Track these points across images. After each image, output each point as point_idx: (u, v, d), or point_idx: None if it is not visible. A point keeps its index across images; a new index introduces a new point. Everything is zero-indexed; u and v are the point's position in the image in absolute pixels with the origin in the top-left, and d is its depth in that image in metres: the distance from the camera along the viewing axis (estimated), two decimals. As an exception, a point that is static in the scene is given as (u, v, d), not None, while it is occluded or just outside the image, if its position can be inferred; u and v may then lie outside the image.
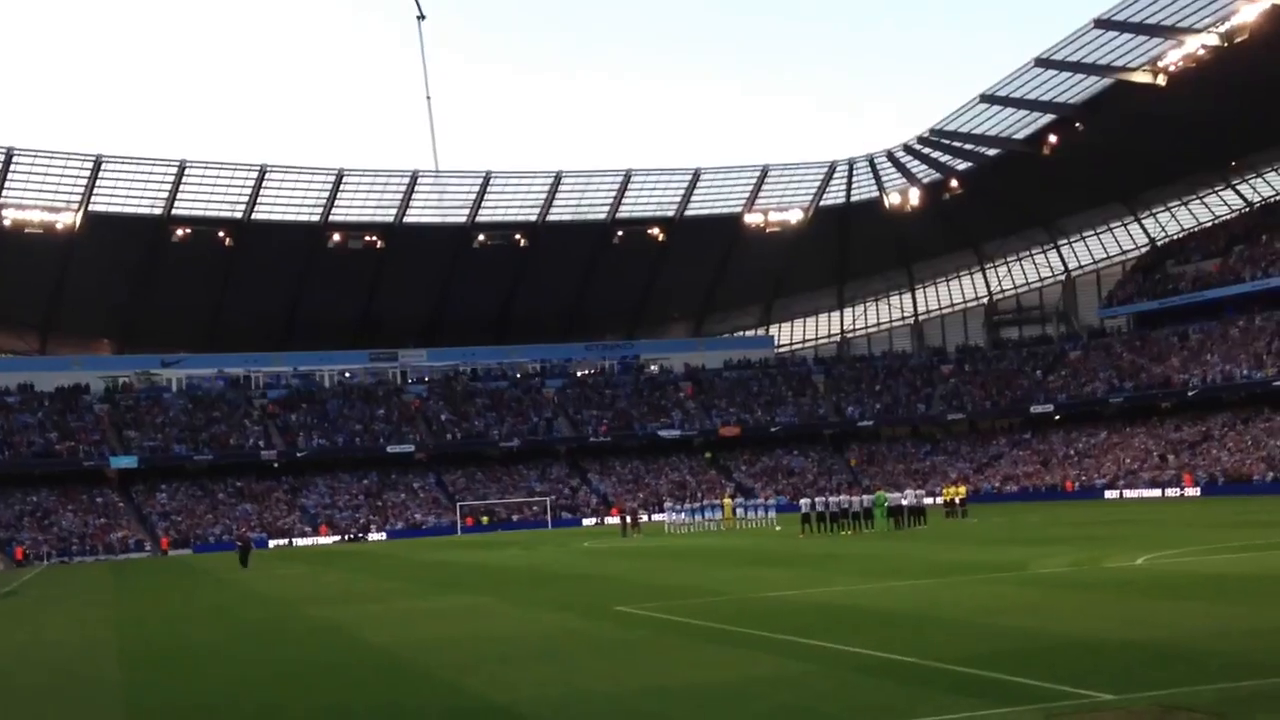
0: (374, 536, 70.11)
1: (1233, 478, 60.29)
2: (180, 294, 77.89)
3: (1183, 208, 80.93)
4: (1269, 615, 15.89)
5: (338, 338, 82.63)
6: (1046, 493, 68.31)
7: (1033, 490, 69.81)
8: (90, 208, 69.48)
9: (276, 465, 76.33)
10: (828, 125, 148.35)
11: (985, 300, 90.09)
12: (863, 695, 12.25)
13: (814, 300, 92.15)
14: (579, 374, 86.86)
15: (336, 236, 75.88)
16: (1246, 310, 72.26)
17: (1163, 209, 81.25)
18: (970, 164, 77.15)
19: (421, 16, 70.69)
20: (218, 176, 71.10)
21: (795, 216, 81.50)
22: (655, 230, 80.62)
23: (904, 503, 44.70)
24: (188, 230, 72.47)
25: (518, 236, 79.18)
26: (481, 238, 78.69)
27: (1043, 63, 64.58)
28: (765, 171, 79.37)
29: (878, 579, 24.09)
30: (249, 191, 71.60)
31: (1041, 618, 16.78)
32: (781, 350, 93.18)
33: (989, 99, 68.96)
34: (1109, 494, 64.36)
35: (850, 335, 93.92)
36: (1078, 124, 68.61)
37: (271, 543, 66.96)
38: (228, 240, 73.63)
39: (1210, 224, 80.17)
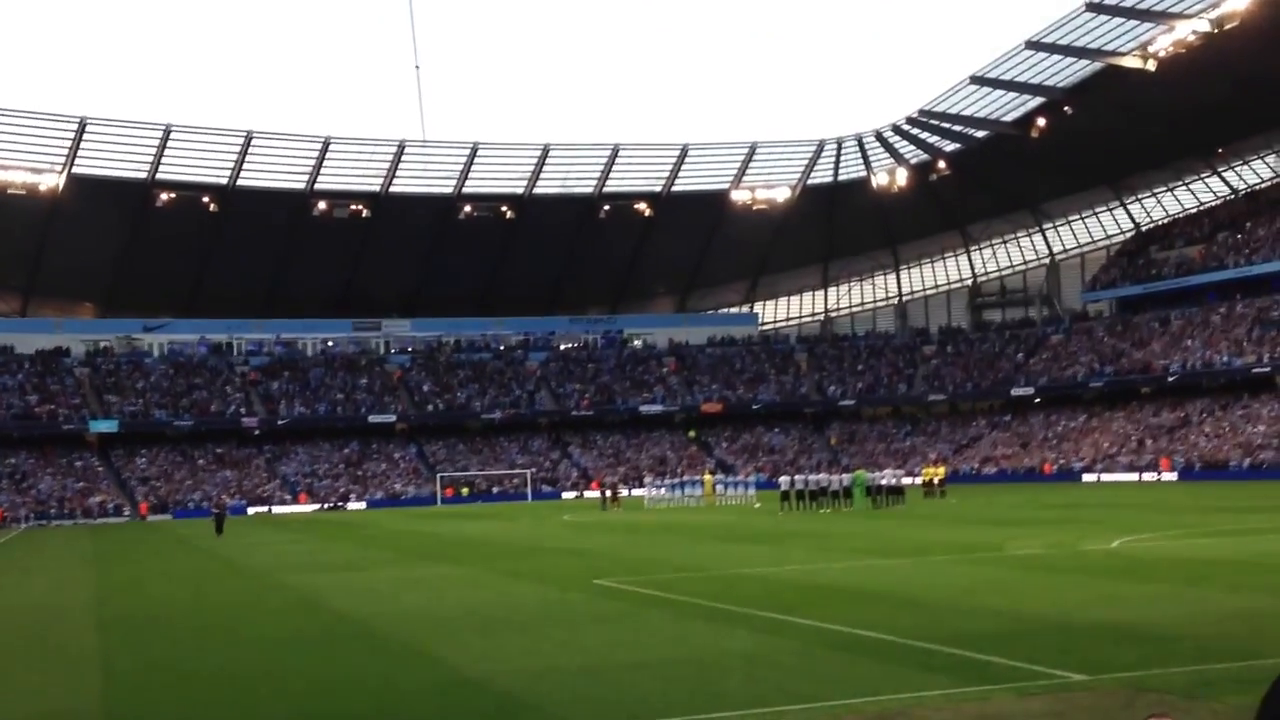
0: (353, 506, 70.14)
1: (1210, 463, 60.78)
2: (164, 259, 77.42)
3: (1168, 193, 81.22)
4: (1241, 599, 16.08)
5: (321, 306, 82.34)
6: (1025, 475, 68.76)
7: (1011, 472, 70.25)
8: (74, 170, 68.90)
9: (257, 432, 76.18)
10: (816, 104, 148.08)
11: (969, 282, 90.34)
12: (836, 672, 12.35)
13: (799, 279, 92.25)
14: (562, 347, 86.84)
15: (322, 205, 75.46)
16: (1228, 297, 72.68)
17: (1148, 194, 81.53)
18: (958, 145, 77.17)
19: None
20: (203, 142, 70.60)
21: (782, 194, 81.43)
22: (642, 205, 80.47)
23: (883, 482, 44.96)
24: (172, 195, 71.96)
25: (504, 208, 78.92)
26: (468, 209, 78.39)
27: (1033, 45, 64.54)
28: (753, 149, 79.22)
29: (855, 557, 24.26)
30: (234, 157, 71.10)
31: (1015, 598, 16.93)
32: (765, 328, 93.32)
33: (979, 80, 68.93)
34: (1087, 477, 64.82)
35: (834, 314, 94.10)
36: (1066, 108, 68.66)
37: (250, 510, 66.94)
38: (212, 206, 73.16)
39: (1195, 210, 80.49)
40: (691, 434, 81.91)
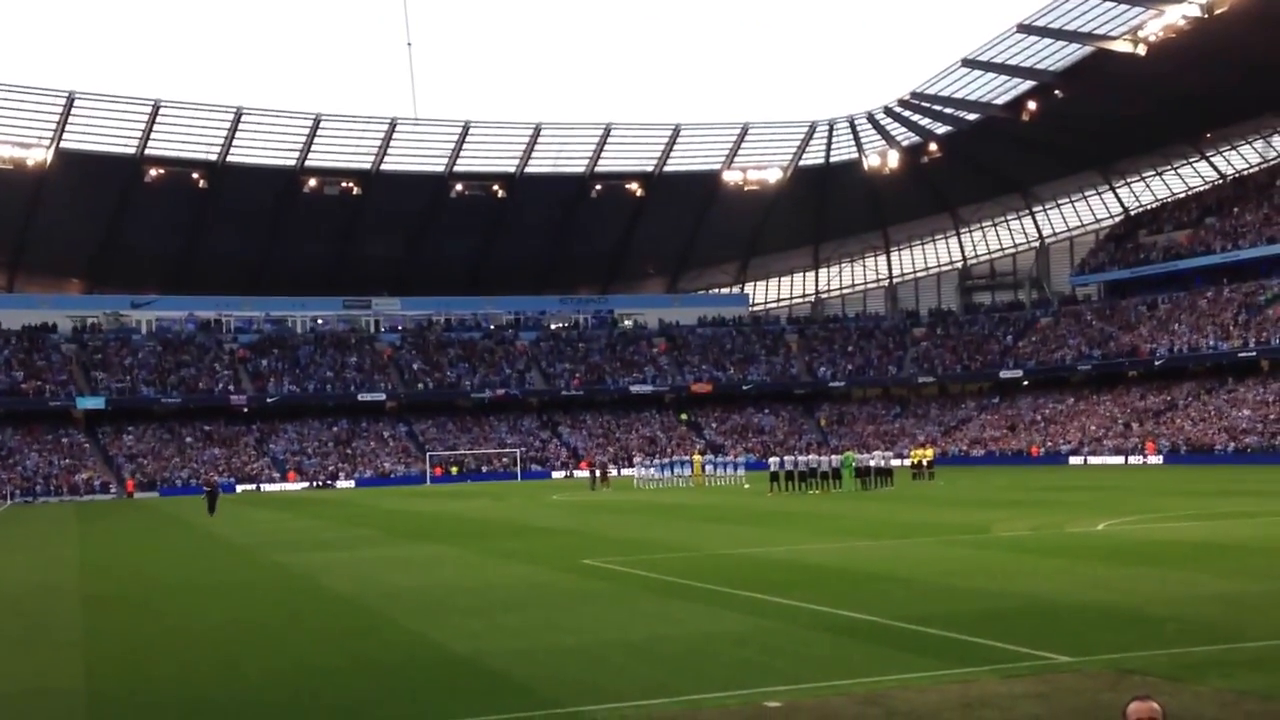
0: (342, 484, 70.14)
1: (1195, 447, 61.12)
2: (152, 235, 77.06)
3: (1157, 178, 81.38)
4: (1224, 582, 16.22)
5: (311, 284, 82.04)
6: (1012, 457, 69.07)
7: (999, 454, 70.56)
8: (62, 145, 68.41)
9: (246, 410, 76.04)
10: (809, 85, 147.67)
11: (959, 264, 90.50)
12: (823, 652, 12.45)
13: (790, 260, 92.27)
14: (553, 327, 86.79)
15: (312, 182, 75.10)
16: (1215, 281, 72.93)
17: (1137, 179, 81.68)
18: (950, 128, 77.12)
19: None
20: (193, 117, 70.10)
21: (774, 175, 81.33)
22: (633, 185, 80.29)
23: (871, 464, 45.10)
24: (161, 171, 71.52)
25: (495, 187, 78.67)
26: (459, 187, 78.14)
27: (1025, 28, 64.46)
28: (745, 129, 79.05)
29: (843, 538, 24.37)
30: (224, 133, 70.66)
31: (1001, 580, 17.06)
32: (756, 309, 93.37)
33: (970, 63, 68.85)
34: (1073, 460, 65.13)
35: (825, 296, 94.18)
36: (1057, 91, 68.63)
37: (239, 488, 66.88)
38: (202, 182, 72.74)
39: (1183, 195, 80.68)
40: (683, 417, 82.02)
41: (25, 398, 70.94)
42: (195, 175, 72.48)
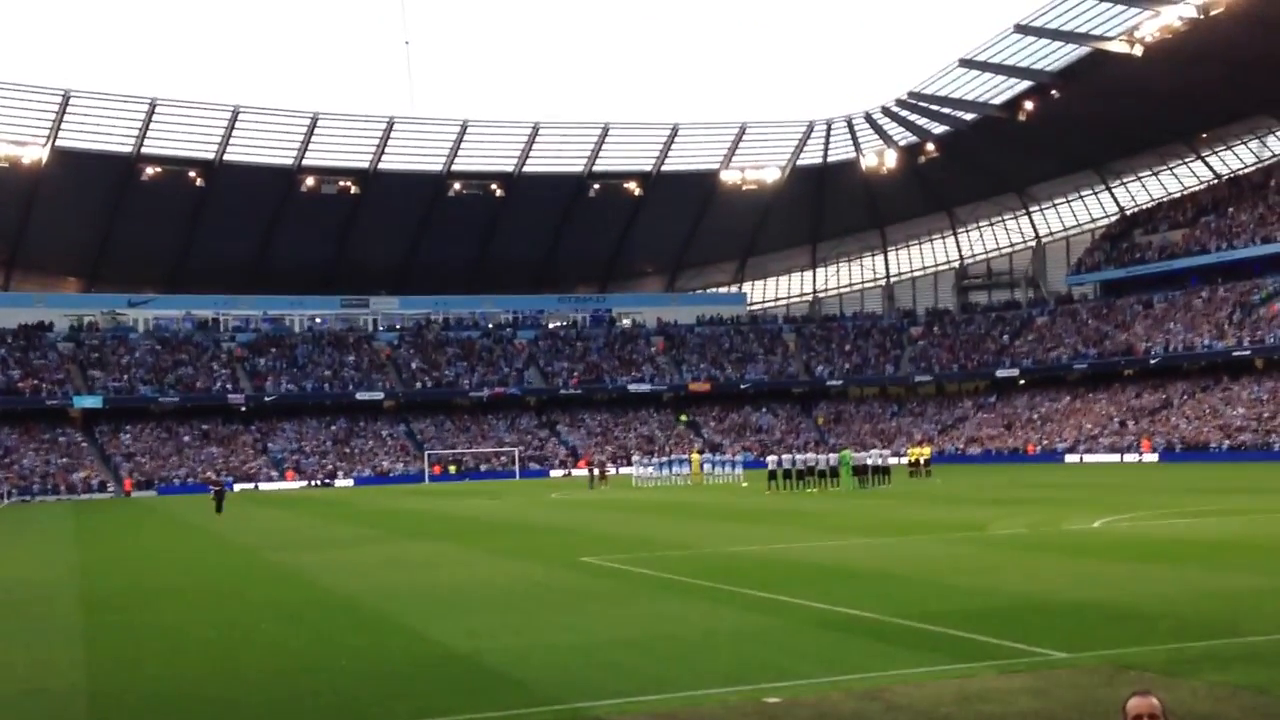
0: (341, 483, 70.14)
1: (1190, 445, 61.28)
2: (149, 234, 77.00)
3: (1152, 178, 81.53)
4: (1219, 578, 16.31)
5: (309, 283, 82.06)
6: (1009, 455, 69.20)
7: (995, 453, 70.69)
8: (58, 143, 68.37)
9: (244, 409, 76.04)
10: (807, 85, 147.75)
11: (956, 264, 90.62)
12: (822, 650, 12.52)
13: (787, 259, 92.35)
14: (551, 326, 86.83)
15: (310, 180, 75.06)
16: (1210, 281, 73.10)
17: (1133, 178, 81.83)
18: (947, 128, 77.23)
19: None
20: (190, 116, 70.06)
21: (772, 175, 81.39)
22: (631, 184, 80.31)
23: (869, 462, 45.18)
24: (158, 169, 71.47)
25: (493, 186, 78.67)
26: (457, 186, 78.13)
27: (1022, 29, 64.57)
28: (743, 129, 79.10)
29: (841, 536, 24.45)
30: (221, 132, 70.62)
31: (998, 577, 17.14)
32: (754, 308, 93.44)
33: (967, 64, 68.94)
34: (1069, 458, 65.27)
35: (822, 295, 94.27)
36: (1054, 91, 68.76)
37: (237, 487, 66.79)
38: (199, 181, 72.68)
39: (1179, 194, 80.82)
40: (683, 418, 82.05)
41: (22, 396, 70.90)
42: (192, 174, 72.43)
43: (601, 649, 12.88)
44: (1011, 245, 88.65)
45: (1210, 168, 78.89)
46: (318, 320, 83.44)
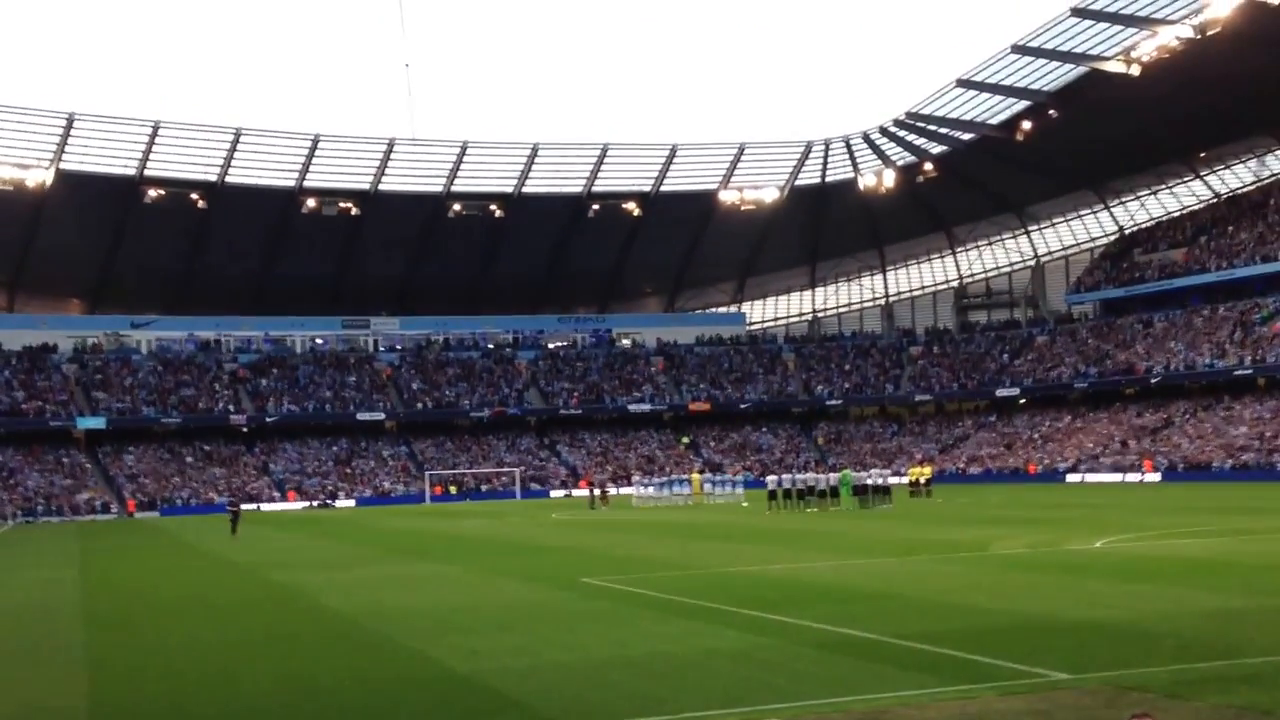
0: (342, 503, 70.08)
1: (1192, 464, 61.19)
2: (152, 255, 77.17)
3: (1151, 197, 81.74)
4: (1222, 599, 16.28)
5: (310, 304, 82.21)
6: (1010, 475, 69.10)
7: (996, 472, 70.60)
8: (62, 166, 68.61)
9: (246, 430, 76.06)
10: (804, 105, 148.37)
11: (955, 283, 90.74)
12: (822, 670, 12.51)
13: (786, 279, 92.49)
14: (551, 346, 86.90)
15: (311, 202, 75.30)
16: (1210, 300, 73.19)
17: (1132, 198, 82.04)
18: (945, 148, 77.49)
19: None
20: (192, 138, 70.38)
21: (770, 195, 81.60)
22: (630, 204, 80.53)
23: (869, 482, 45.12)
24: (161, 191, 71.69)
25: (493, 207, 78.90)
26: (457, 207, 78.35)
27: (1019, 49, 64.85)
28: (742, 149, 79.34)
29: (841, 556, 24.43)
30: (223, 154, 70.90)
31: (999, 597, 17.12)
32: (753, 327, 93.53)
33: (965, 84, 69.21)
34: (1071, 478, 65.18)
35: (821, 315, 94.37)
36: (1051, 111, 69.01)
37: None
38: (201, 202, 72.92)
39: (1178, 214, 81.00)
40: (684, 440, 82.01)
41: (26, 418, 70.94)
42: (195, 196, 72.67)
43: (602, 669, 12.88)
44: (1010, 264, 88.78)
45: (1209, 186, 79.11)
46: (319, 341, 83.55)
